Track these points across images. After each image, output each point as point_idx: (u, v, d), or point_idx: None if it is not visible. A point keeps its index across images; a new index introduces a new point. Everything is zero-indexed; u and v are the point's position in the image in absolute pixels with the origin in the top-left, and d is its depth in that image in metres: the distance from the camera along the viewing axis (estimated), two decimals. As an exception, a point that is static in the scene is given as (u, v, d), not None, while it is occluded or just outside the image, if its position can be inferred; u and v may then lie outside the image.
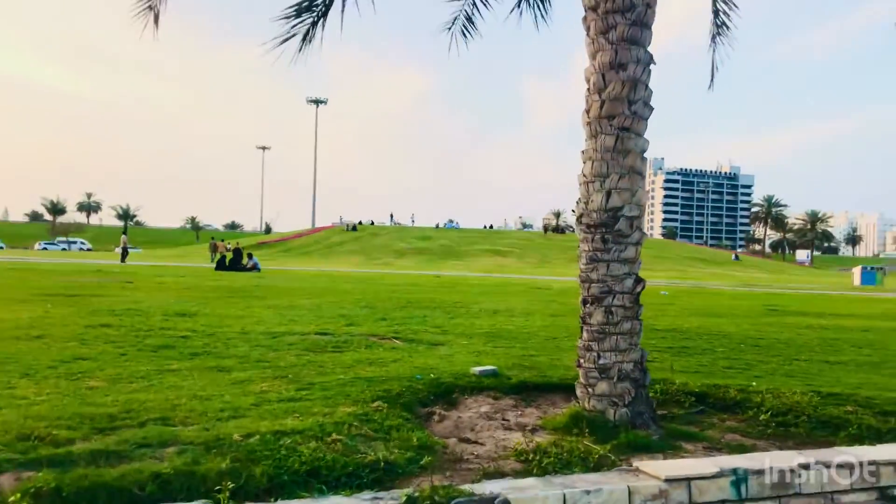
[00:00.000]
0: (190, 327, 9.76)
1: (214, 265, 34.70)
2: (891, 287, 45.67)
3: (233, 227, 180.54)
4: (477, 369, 6.72)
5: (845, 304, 22.17)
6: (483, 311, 14.10)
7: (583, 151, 5.67)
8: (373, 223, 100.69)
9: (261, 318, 11.34)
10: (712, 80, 8.23)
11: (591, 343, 5.39)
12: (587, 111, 5.58)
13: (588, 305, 5.45)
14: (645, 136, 5.53)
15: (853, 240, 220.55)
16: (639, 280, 5.45)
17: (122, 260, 41.36)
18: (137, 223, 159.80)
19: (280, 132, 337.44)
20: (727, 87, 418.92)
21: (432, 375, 6.46)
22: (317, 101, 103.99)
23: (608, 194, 5.39)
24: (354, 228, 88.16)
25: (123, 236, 48.00)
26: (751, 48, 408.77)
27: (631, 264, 5.43)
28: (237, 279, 24.33)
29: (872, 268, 47.48)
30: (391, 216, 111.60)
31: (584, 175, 5.57)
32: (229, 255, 34.91)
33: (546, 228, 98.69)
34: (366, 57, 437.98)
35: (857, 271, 46.76)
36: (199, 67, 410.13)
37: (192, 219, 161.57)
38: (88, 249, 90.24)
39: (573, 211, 6.44)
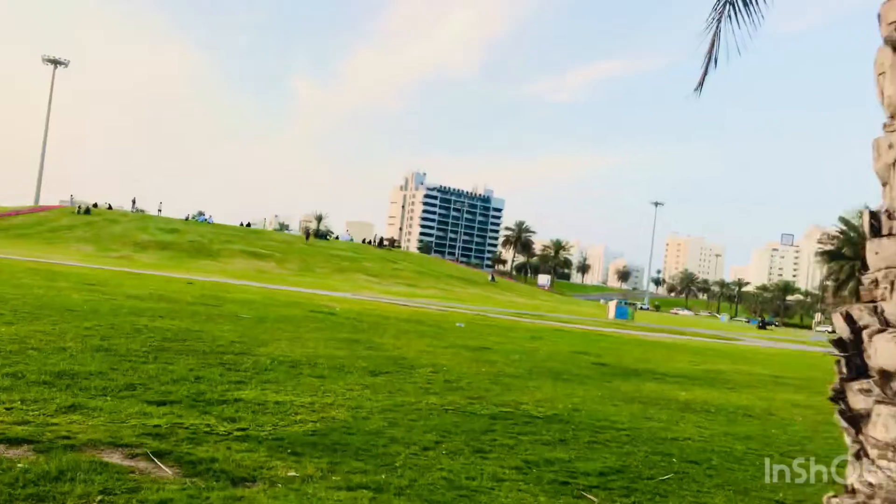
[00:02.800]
0: None
1: None
2: (640, 321, 48.20)
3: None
4: None
5: (652, 351, 20.96)
6: (277, 361, 9.91)
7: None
8: (110, 207, 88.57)
9: None
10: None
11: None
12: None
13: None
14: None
15: (584, 268, 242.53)
16: None
17: None
18: None
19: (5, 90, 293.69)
20: (492, 115, 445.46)
21: None
22: (55, 62, 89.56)
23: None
24: (88, 212, 76.30)
25: None
26: (516, 84, 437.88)
27: None
28: None
29: (626, 303, 49.91)
30: (133, 202, 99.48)
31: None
32: None
33: (307, 233, 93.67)
34: (125, 27, 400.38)
35: (612, 305, 48.75)
36: None
37: None
38: None
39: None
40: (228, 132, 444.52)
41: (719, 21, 5.06)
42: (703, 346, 27.26)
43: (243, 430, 5.94)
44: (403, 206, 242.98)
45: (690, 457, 6.73)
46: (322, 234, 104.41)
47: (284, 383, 8.33)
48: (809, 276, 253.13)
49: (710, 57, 5.21)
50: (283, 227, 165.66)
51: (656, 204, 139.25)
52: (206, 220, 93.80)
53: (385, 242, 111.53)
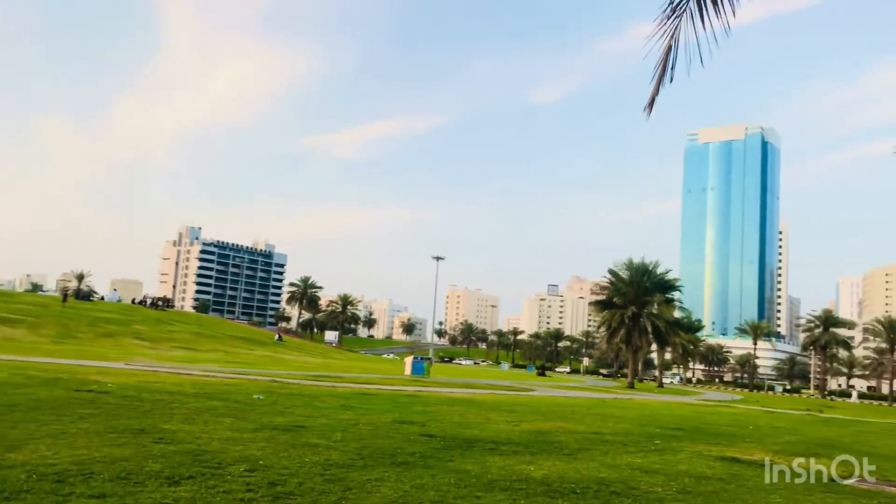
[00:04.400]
0: None
1: None
2: (436, 375, 47.81)
3: None
4: None
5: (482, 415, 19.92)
6: (36, 475, 7.30)
7: None
8: None
9: None
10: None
11: None
12: None
13: None
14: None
15: (370, 322, 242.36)
16: None
17: None
18: None
19: None
20: (271, 169, 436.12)
21: None
22: None
23: None
24: None
25: None
26: (295, 138, 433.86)
27: None
28: None
29: (422, 358, 49.28)
30: None
31: None
32: None
33: (66, 294, 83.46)
34: None
35: (408, 361, 47.89)
36: None
37: None
38: None
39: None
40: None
41: (678, 20, 3.96)
42: (507, 401, 26.96)
43: None
44: (177, 263, 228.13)
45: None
46: (84, 295, 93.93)
47: (47, 516, 5.91)
48: (573, 323, 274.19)
49: (665, 68, 4.07)
50: (36, 287, 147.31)
51: (437, 258, 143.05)
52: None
53: (157, 302, 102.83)
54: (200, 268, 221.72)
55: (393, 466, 9.55)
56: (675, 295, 67.38)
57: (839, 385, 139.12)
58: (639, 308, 63.62)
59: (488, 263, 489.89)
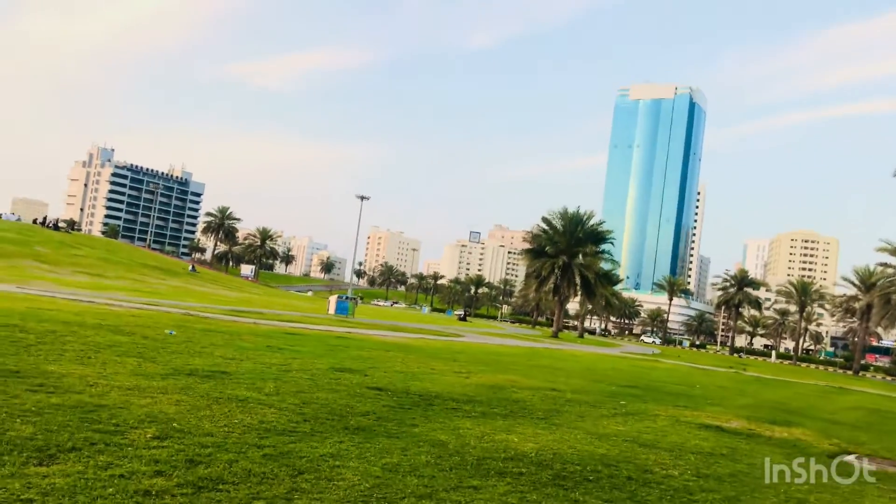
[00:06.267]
0: None
1: None
2: (360, 316, 45.77)
3: None
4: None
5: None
6: None
7: None
8: None
9: None
10: None
11: None
12: None
13: None
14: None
15: (288, 259, 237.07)
16: None
17: None
18: None
19: None
20: (195, 94, 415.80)
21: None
22: None
23: None
24: None
25: None
26: (221, 64, 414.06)
27: None
28: None
29: (347, 298, 47.05)
30: None
31: None
32: None
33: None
34: None
35: (332, 300, 45.69)
36: None
37: None
38: None
39: None
40: None
41: None
42: (443, 347, 25.31)
43: None
44: (86, 185, 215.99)
45: None
46: None
47: None
48: (493, 270, 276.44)
49: None
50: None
51: (362, 198, 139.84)
52: None
53: (61, 225, 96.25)
54: (111, 192, 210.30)
55: (347, 433, 7.51)
56: (606, 247, 67.19)
57: (747, 343, 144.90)
58: (569, 258, 62.89)
59: (412, 206, 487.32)
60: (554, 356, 30.37)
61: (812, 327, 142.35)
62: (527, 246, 71.28)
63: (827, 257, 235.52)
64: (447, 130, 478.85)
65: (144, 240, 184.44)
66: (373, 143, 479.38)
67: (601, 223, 66.40)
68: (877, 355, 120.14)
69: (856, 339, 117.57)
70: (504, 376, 16.65)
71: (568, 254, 63.21)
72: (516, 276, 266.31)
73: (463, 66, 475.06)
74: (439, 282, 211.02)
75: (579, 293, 67.12)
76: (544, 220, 64.31)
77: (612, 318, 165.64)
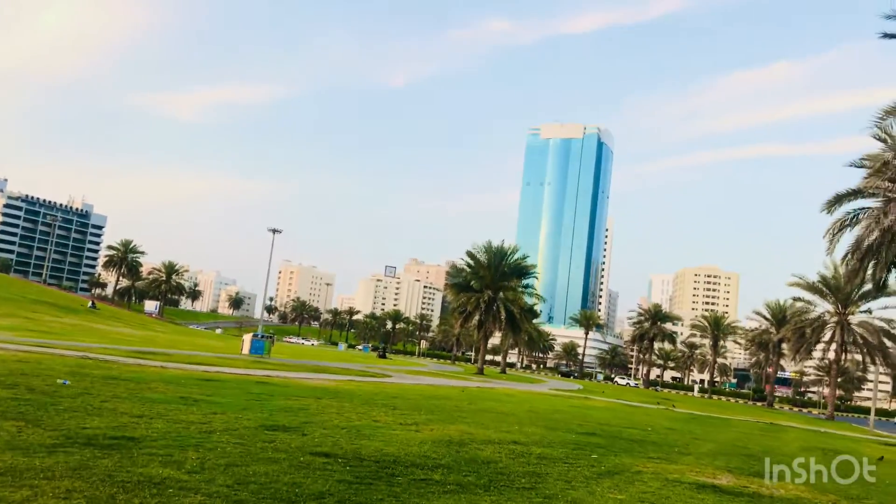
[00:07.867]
0: None
1: None
2: (276, 355, 42.99)
3: None
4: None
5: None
6: None
7: None
8: None
9: None
10: None
11: None
12: None
13: None
14: None
15: (194, 294, 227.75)
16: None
17: None
18: None
19: None
20: (93, 124, 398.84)
21: None
22: None
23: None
24: None
25: None
26: (123, 94, 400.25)
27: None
28: None
29: (263, 336, 44.08)
30: None
31: None
32: None
33: None
34: None
35: (247, 339, 42.73)
36: None
37: None
38: None
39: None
40: None
41: None
42: (375, 391, 23.24)
43: None
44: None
45: None
46: None
47: None
48: (408, 305, 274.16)
49: None
50: None
51: (274, 231, 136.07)
52: None
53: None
54: (3, 223, 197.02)
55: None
56: (529, 281, 66.55)
57: (657, 376, 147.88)
58: (494, 293, 61.82)
59: (325, 242, 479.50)
60: (492, 397, 28.74)
61: (720, 360, 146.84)
62: (444, 280, 69.91)
63: (728, 291, 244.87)
64: (360, 166, 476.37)
65: (40, 274, 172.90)
66: (284, 177, 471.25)
67: (525, 258, 65.83)
68: (777, 386, 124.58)
69: (761, 370, 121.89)
70: (455, 427, 14.84)
71: (493, 288, 62.13)
72: (432, 310, 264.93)
73: (376, 105, 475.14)
74: (355, 317, 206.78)
75: (503, 328, 65.98)
76: (469, 254, 63.14)
77: (530, 353, 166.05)
